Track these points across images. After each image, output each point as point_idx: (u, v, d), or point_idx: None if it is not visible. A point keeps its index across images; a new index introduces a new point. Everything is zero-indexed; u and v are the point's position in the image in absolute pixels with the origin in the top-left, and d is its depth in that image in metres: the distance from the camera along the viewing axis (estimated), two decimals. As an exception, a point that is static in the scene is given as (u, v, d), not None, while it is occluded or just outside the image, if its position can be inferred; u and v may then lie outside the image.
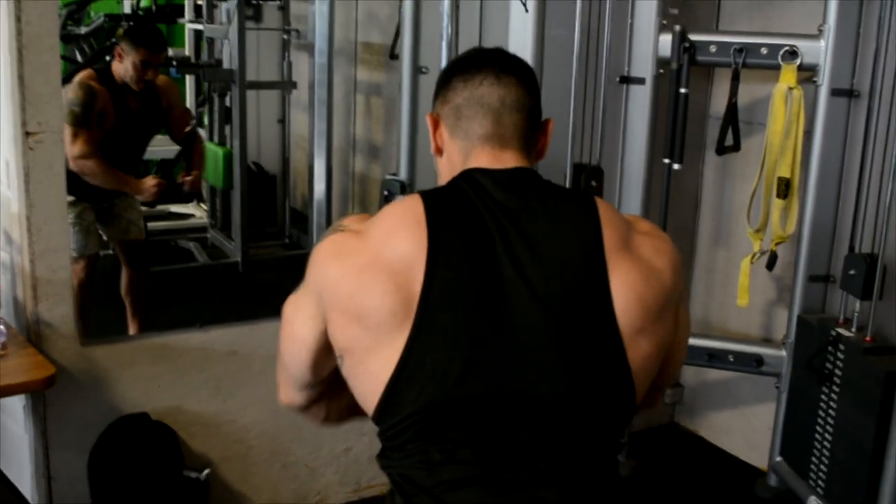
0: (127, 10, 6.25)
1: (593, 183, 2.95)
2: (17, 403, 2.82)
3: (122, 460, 2.70)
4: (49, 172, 2.53)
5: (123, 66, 3.53)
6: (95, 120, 3.41)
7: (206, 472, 2.81)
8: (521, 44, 2.69)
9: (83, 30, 6.29)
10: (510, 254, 1.36)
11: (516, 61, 1.55)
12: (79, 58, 6.01)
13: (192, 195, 4.27)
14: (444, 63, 2.76)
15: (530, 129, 1.51)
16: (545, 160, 2.75)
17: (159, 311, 4.04)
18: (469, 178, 1.45)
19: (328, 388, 1.58)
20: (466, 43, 2.85)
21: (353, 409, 1.57)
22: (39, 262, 2.57)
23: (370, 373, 1.37)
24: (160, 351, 2.79)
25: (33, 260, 2.56)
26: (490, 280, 1.35)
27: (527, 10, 2.64)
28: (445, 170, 1.54)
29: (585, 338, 1.36)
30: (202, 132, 5.30)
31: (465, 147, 1.50)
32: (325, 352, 1.46)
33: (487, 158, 1.47)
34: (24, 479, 2.90)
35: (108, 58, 4.12)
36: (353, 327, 1.37)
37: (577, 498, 1.37)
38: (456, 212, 1.40)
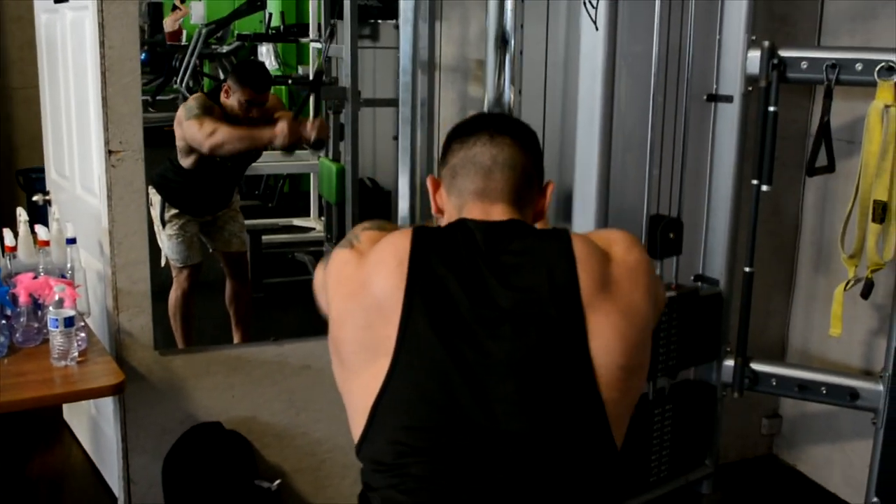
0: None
1: (671, 235, 2.86)
2: (109, 408, 2.98)
3: (196, 467, 2.79)
4: (129, 189, 2.66)
5: (230, 102, 3.67)
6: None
7: (278, 482, 2.87)
8: (591, 63, 2.64)
9: (225, 48, 6.59)
10: (486, 300, 1.39)
11: (514, 124, 1.63)
12: (221, 75, 6.29)
13: (322, 142, 4.33)
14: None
15: (524, 187, 1.54)
16: (620, 207, 2.74)
17: (267, 321, 4.17)
18: (459, 224, 1.50)
19: None
20: (533, 59, 2.83)
21: None
22: (121, 273, 2.71)
23: (351, 404, 1.46)
24: (235, 362, 2.88)
25: (115, 272, 2.70)
26: (464, 326, 1.38)
27: (597, 29, 2.59)
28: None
29: (556, 381, 1.37)
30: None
31: (458, 204, 1.55)
32: None
33: (477, 212, 1.52)
34: (114, 479, 3.06)
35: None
36: (335, 348, 1.48)
37: None
38: (438, 254, 1.43)
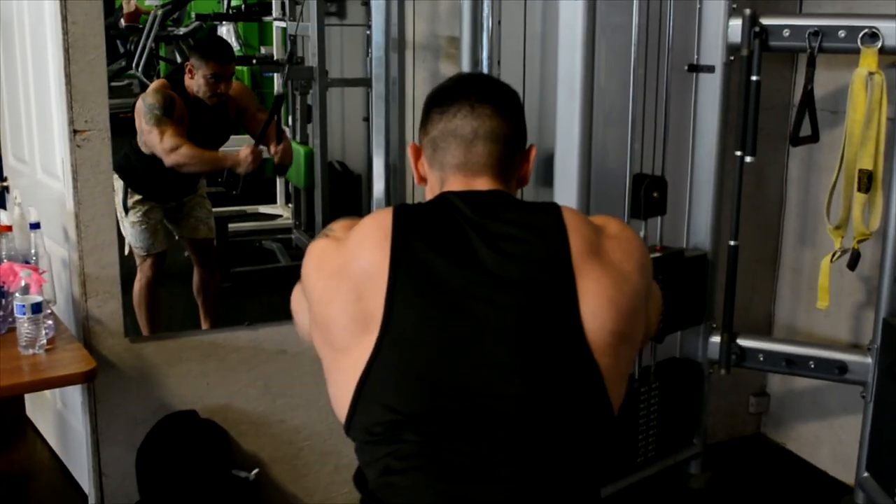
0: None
1: (655, 194, 2.92)
2: (77, 400, 3.00)
3: (171, 457, 2.82)
4: (96, 170, 2.68)
5: (196, 82, 3.68)
6: (177, 119, 3.58)
7: (255, 471, 2.91)
8: (571, 34, 2.69)
9: (182, 31, 6.56)
10: (474, 264, 1.43)
11: (496, 89, 1.62)
12: (178, 59, 6.28)
13: (285, 168, 4.36)
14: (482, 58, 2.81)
15: (507, 157, 1.57)
16: (603, 168, 2.80)
17: (236, 310, 4.19)
18: (441, 198, 1.54)
19: None
20: (512, 33, 2.88)
21: None
22: (88, 258, 2.73)
23: (339, 381, 1.47)
24: (208, 348, 2.91)
25: (82, 256, 2.72)
26: (452, 291, 1.42)
27: (576, -3, 2.64)
28: (429, 197, 1.62)
29: (549, 344, 1.41)
30: (286, 130, 5.45)
31: (440, 177, 1.58)
32: None
33: (459, 185, 1.55)
34: (84, 475, 3.08)
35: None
36: (322, 331, 1.50)
37: (532, 501, 1.39)
38: (423, 225, 1.48)
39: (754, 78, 2.93)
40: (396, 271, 1.41)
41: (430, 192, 1.61)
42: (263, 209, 6.04)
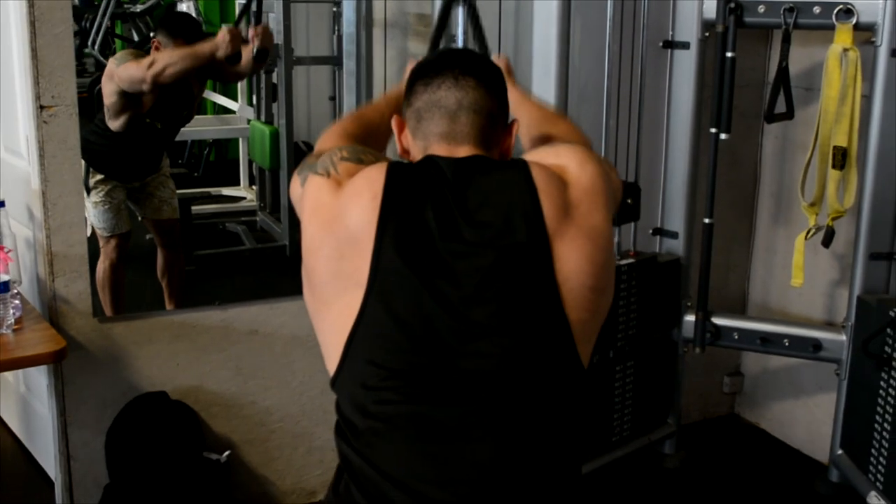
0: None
1: (629, 201, 3.00)
2: (41, 384, 3.03)
3: (141, 440, 2.87)
4: (63, 146, 2.72)
5: None
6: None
7: (227, 454, 2.97)
8: (545, 11, 2.76)
9: (139, 7, 6.54)
10: (454, 228, 1.51)
11: (479, 63, 1.71)
12: (135, 37, 6.26)
13: (266, 52, 4.32)
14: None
15: (489, 129, 1.65)
16: None
17: (200, 294, 4.22)
18: (428, 160, 1.61)
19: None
20: (486, 10, 2.94)
21: None
22: (55, 236, 2.76)
23: (327, 333, 1.56)
24: (179, 329, 2.96)
25: (49, 235, 2.75)
26: (434, 254, 1.50)
27: (551, -27, 2.71)
28: None
29: (525, 304, 1.50)
30: (250, 110, 5.48)
31: (424, 146, 1.66)
32: None
33: (443, 152, 1.63)
34: (49, 460, 3.11)
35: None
36: (308, 276, 1.58)
37: (513, 460, 1.48)
38: (411, 188, 1.55)
39: (729, 54, 3.02)
40: (383, 233, 1.49)
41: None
42: (227, 191, 6.05)
